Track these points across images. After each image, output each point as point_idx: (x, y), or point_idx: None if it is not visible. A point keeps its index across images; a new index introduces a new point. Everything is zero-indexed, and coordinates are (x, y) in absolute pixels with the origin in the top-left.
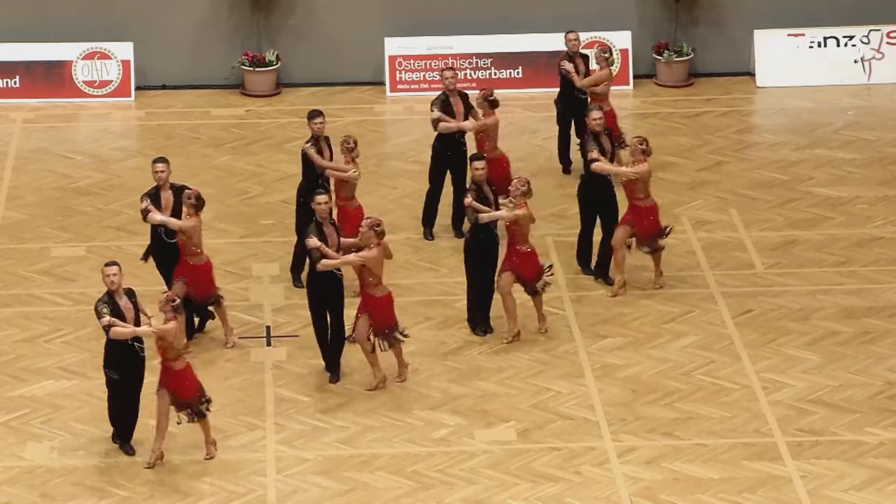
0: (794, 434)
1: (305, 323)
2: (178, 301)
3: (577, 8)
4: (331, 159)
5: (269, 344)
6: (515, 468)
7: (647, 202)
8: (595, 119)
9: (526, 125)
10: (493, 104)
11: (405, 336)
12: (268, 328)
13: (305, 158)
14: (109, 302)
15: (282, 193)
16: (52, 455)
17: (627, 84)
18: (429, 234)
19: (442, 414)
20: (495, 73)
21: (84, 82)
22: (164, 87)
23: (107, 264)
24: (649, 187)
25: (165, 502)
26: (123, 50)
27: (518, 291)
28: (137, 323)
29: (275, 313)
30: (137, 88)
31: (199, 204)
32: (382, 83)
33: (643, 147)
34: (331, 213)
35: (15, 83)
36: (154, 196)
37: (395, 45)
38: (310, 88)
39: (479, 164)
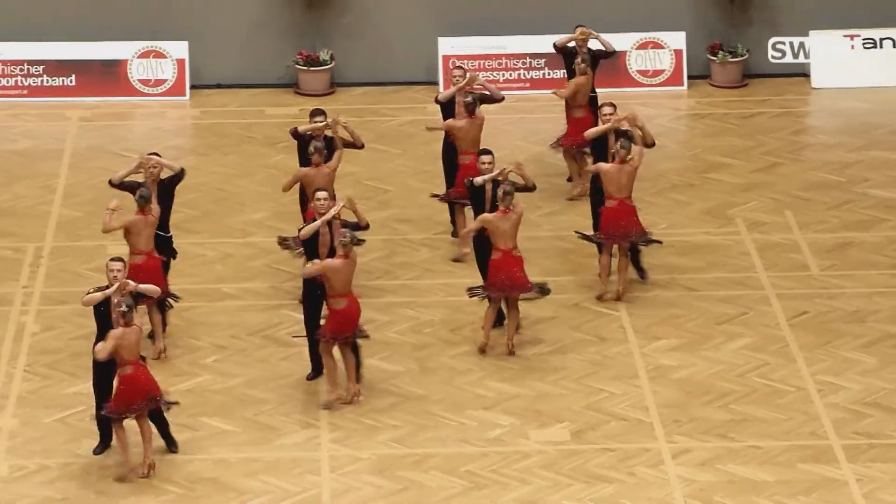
0: (850, 437)
1: (361, 321)
2: (124, 308)
3: (632, 8)
4: (338, 156)
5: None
6: (569, 469)
7: (610, 203)
8: (606, 114)
9: None
10: (468, 107)
11: (361, 336)
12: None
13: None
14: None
15: (338, 191)
16: (108, 452)
17: (682, 85)
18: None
19: (496, 414)
20: (548, 73)
21: (139, 81)
22: (218, 85)
23: (112, 259)
24: (620, 189)
25: (219, 500)
26: (179, 49)
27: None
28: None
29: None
30: (192, 87)
31: (141, 201)
32: (436, 83)
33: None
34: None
35: (71, 82)
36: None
37: (448, 45)
38: (363, 88)
39: (486, 157)
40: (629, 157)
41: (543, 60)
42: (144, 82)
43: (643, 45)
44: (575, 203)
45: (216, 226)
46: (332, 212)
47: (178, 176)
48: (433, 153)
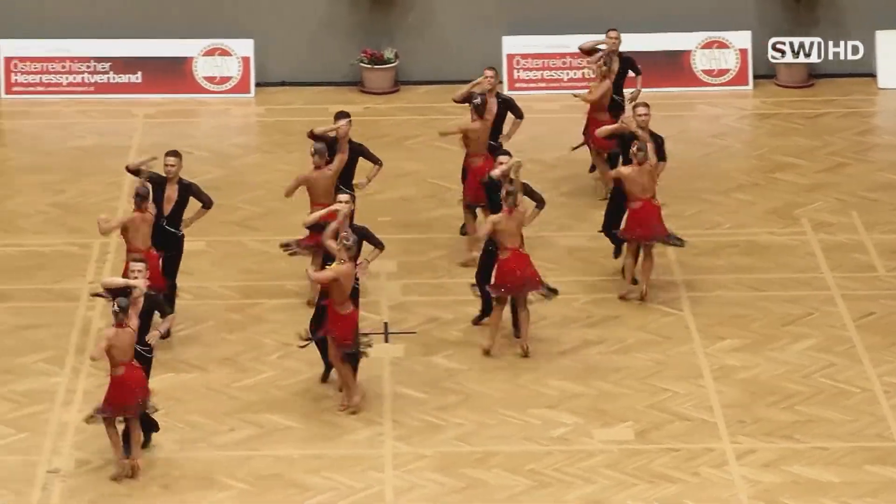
0: None
1: (423, 320)
2: (116, 308)
3: (696, 7)
4: (341, 160)
5: (386, 340)
6: (633, 468)
7: (635, 204)
8: (640, 115)
9: None
10: (477, 109)
11: (363, 353)
12: (385, 324)
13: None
14: (125, 292)
15: (399, 190)
16: (174, 447)
17: (747, 84)
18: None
19: (560, 413)
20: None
21: (205, 78)
22: (283, 83)
23: (134, 259)
24: (644, 190)
25: (282, 496)
26: (244, 47)
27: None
28: (138, 330)
29: (392, 310)
30: (257, 85)
31: (138, 199)
32: (500, 81)
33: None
34: (350, 215)
35: (137, 79)
36: (160, 185)
37: (512, 44)
38: (427, 86)
39: (503, 158)
40: (645, 158)
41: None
42: (210, 80)
43: (708, 45)
44: None
45: (280, 223)
46: (338, 214)
47: (206, 205)
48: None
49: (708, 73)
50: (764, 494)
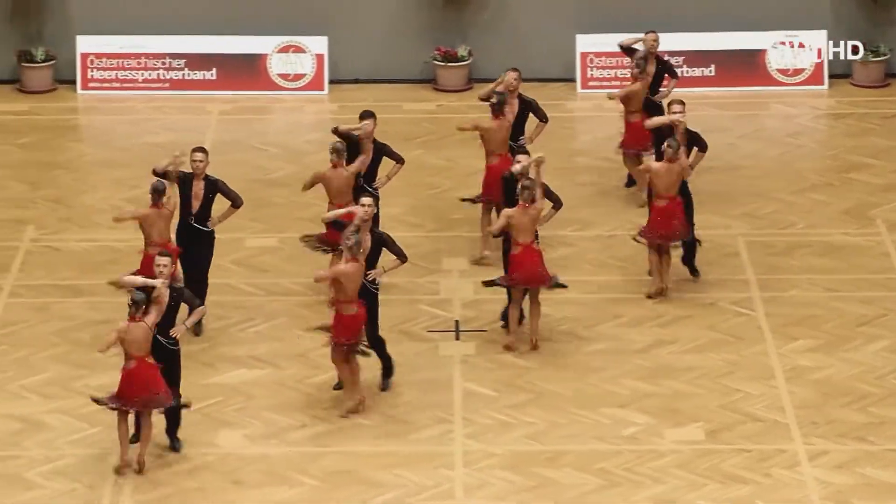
0: None
1: (494, 318)
2: (132, 302)
3: (772, 6)
4: (363, 161)
5: (458, 338)
6: (704, 468)
7: (659, 202)
8: (675, 111)
9: (717, 123)
10: (495, 108)
11: (364, 353)
12: (457, 322)
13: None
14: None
15: (471, 188)
16: (245, 443)
17: (822, 84)
18: None
19: (630, 412)
20: (686, 72)
21: (279, 75)
22: (356, 81)
23: (160, 254)
24: (669, 188)
25: (354, 492)
26: (318, 44)
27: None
28: (162, 322)
29: (464, 307)
30: (331, 82)
31: (155, 194)
32: (573, 80)
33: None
34: (373, 218)
35: (212, 75)
36: (185, 181)
37: (586, 42)
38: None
39: (521, 157)
40: (675, 155)
41: (682, 58)
42: (284, 77)
43: (783, 44)
44: (710, 202)
45: None
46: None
47: (235, 203)
48: (568, 150)
49: (783, 72)
50: (836, 496)
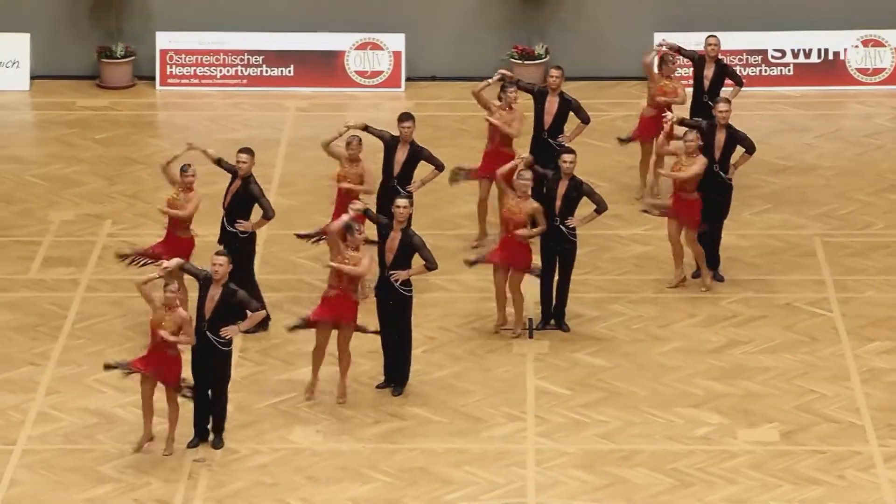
0: None
1: (569, 316)
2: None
3: (851, 4)
4: (394, 161)
5: (531, 336)
6: (778, 470)
7: (690, 196)
8: (721, 111)
9: (795, 122)
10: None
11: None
12: (530, 320)
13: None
14: (205, 282)
15: None
16: (318, 439)
17: None
18: None
19: (704, 412)
20: (765, 71)
21: (356, 72)
22: (433, 78)
23: (217, 252)
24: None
25: (426, 489)
26: (395, 41)
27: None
28: (210, 318)
29: (537, 306)
30: (408, 79)
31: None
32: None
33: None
34: (409, 219)
35: (289, 72)
36: (231, 177)
37: (663, 40)
38: (577, 82)
39: (567, 157)
40: (694, 150)
41: (760, 57)
42: (361, 73)
43: (863, 43)
44: (786, 202)
45: (427, 218)
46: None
47: (266, 214)
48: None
49: (863, 71)
50: None
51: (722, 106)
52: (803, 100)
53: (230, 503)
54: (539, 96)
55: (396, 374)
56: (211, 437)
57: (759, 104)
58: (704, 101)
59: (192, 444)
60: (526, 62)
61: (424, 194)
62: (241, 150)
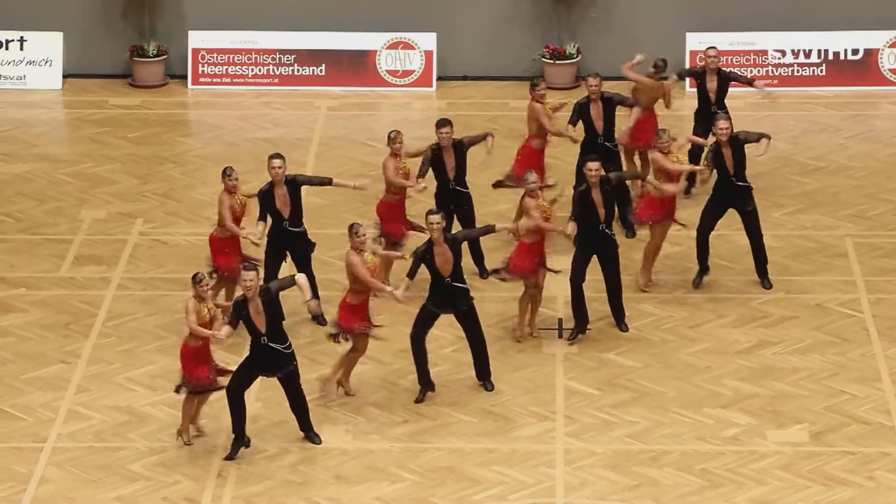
0: None
1: (599, 316)
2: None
3: (885, 4)
4: (445, 168)
5: (560, 336)
6: (807, 471)
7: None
8: (721, 128)
9: (828, 123)
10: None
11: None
12: (560, 320)
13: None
14: (240, 307)
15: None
16: (347, 438)
17: None
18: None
19: (733, 413)
20: (797, 71)
21: (387, 72)
22: (464, 77)
23: (245, 268)
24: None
25: (454, 488)
26: (427, 41)
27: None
28: (267, 329)
29: (567, 306)
30: (439, 79)
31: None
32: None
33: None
34: (444, 232)
35: (321, 71)
36: (267, 193)
37: (696, 41)
38: (608, 82)
39: (594, 165)
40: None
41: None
42: (392, 73)
43: (895, 44)
44: (818, 202)
45: None
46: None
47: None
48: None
49: (895, 71)
50: None
51: (722, 124)
52: (835, 100)
53: (258, 502)
54: (583, 109)
55: (483, 371)
56: (303, 434)
57: (790, 104)
58: (713, 111)
59: (231, 456)
60: (557, 62)
61: None
62: (273, 156)
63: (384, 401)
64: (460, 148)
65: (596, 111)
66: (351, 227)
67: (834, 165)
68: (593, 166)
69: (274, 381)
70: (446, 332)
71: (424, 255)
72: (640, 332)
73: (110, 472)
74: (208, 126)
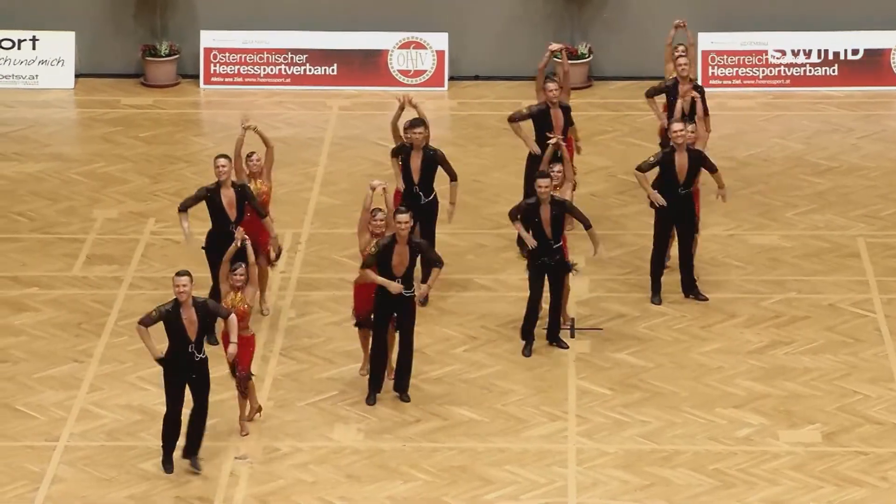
0: None
1: (611, 316)
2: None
3: (893, 5)
4: (411, 168)
5: (573, 336)
6: (819, 471)
7: None
8: (675, 131)
9: (840, 123)
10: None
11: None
12: (572, 320)
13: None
14: (171, 312)
15: (589, 186)
16: (359, 437)
17: None
18: None
19: (745, 413)
20: (810, 71)
21: (399, 71)
22: (476, 77)
23: (178, 273)
24: None
25: (467, 488)
26: (439, 40)
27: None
28: (199, 335)
29: (579, 305)
30: (451, 79)
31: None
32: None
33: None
34: (411, 232)
35: (333, 71)
36: (214, 191)
37: (707, 41)
38: (621, 82)
39: (543, 182)
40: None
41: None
42: (404, 73)
43: None
44: (830, 202)
45: (470, 216)
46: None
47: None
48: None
49: None
50: None
51: (676, 126)
52: (848, 100)
53: (271, 501)
54: (543, 114)
55: (402, 382)
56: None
57: (803, 104)
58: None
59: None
60: (569, 62)
61: (466, 194)
62: (219, 156)
63: (396, 400)
64: (433, 157)
65: (556, 119)
66: (372, 212)
67: (846, 165)
68: (543, 183)
69: (286, 380)
70: (457, 332)
71: (385, 250)
72: (653, 332)
73: (122, 470)
74: (220, 126)
